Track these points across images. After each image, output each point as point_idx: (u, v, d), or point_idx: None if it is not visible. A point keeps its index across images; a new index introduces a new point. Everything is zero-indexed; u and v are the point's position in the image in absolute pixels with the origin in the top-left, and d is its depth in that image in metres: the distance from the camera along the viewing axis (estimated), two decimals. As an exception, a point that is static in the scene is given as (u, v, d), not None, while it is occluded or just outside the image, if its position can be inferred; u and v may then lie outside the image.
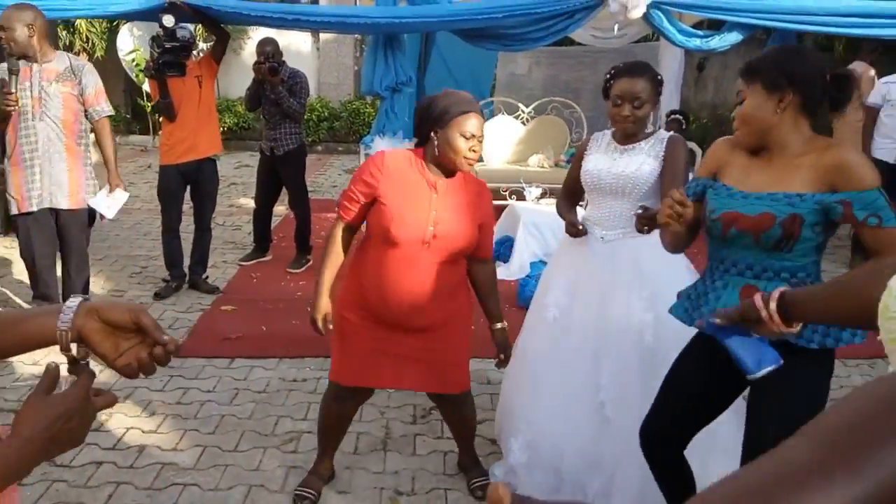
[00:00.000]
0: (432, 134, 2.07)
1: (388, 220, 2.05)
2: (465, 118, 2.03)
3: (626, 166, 2.34)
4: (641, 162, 2.33)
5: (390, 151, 2.16)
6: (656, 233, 2.20)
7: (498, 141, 6.62)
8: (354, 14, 4.89)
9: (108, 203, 3.65)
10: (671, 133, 2.41)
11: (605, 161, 2.39)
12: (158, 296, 4.30)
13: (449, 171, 2.12)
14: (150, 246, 5.35)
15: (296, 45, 10.04)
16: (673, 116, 5.86)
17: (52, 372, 0.83)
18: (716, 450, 2.17)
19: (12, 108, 3.25)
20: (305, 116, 10.09)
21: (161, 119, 4.44)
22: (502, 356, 2.32)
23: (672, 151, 2.32)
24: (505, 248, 5.05)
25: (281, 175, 4.79)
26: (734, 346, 1.32)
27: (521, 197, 5.33)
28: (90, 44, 9.50)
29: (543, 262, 4.95)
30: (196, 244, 4.45)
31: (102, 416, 2.88)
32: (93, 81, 3.50)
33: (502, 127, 6.67)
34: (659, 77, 2.34)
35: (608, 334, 2.32)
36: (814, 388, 1.71)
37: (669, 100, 6.55)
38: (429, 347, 2.19)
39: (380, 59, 4.22)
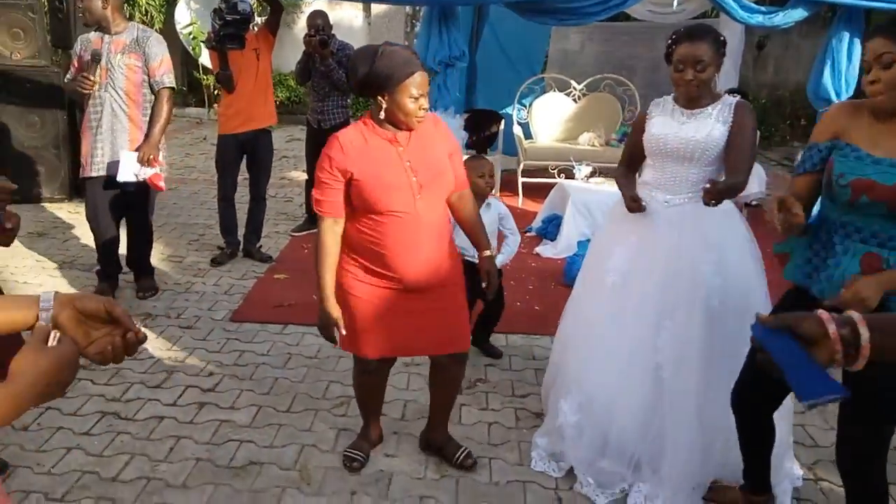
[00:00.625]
0: (379, 98, 2.03)
1: (372, 191, 2.05)
2: (412, 80, 1.99)
3: (695, 131, 2.28)
4: (710, 127, 2.27)
5: (341, 132, 2.12)
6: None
7: (548, 118, 6.55)
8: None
9: (129, 165, 3.52)
10: (737, 98, 2.35)
11: (672, 125, 2.34)
12: (215, 262, 4.45)
13: (401, 129, 2.10)
14: (207, 215, 5.53)
15: (347, 19, 10.10)
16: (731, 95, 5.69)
17: (44, 328, 0.93)
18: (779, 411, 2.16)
19: (88, 91, 3.44)
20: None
21: (219, 91, 4.54)
22: (486, 285, 2.35)
23: (741, 117, 2.26)
24: (553, 227, 5.04)
25: None
26: (784, 363, 1.00)
27: (570, 175, 5.30)
28: (149, 16, 9.73)
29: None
30: (251, 214, 4.59)
31: (163, 374, 3.03)
32: (158, 52, 3.61)
33: (553, 104, 6.59)
34: (722, 38, 2.27)
35: (673, 297, 2.31)
36: None
37: (728, 78, 6.35)
38: (438, 307, 2.21)
39: (434, 34, 4.22)
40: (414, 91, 1.99)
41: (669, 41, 2.31)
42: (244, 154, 4.44)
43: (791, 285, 1.93)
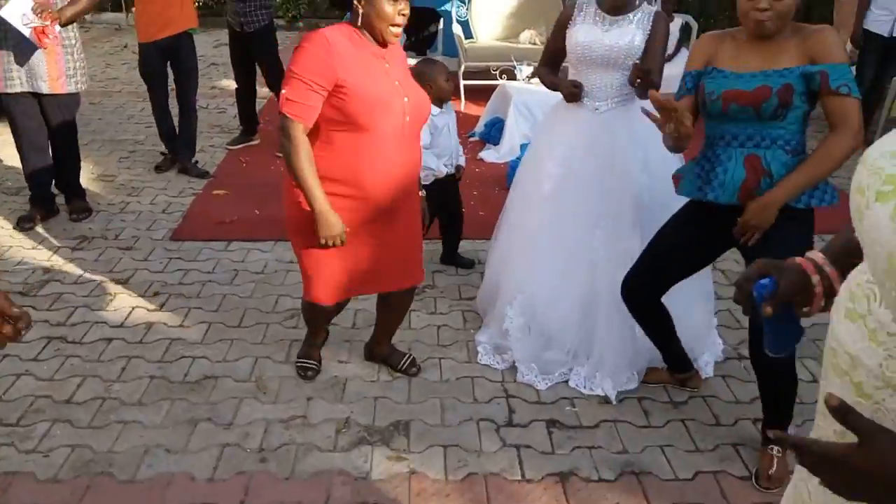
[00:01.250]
0: (356, 3, 1.92)
1: (361, 105, 1.90)
2: None
3: (618, 38, 2.37)
4: (632, 34, 2.37)
5: (328, 30, 1.93)
6: (640, 105, 2.36)
7: (487, 16, 6.36)
8: None
9: (18, 6, 3.15)
10: (657, 9, 2.46)
11: (596, 32, 2.40)
12: (159, 169, 4.35)
13: (378, 41, 1.98)
14: (136, 130, 5.27)
15: None
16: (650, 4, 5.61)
17: None
18: (699, 296, 2.49)
19: None
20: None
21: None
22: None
23: (657, 27, 2.39)
24: (495, 131, 5.00)
25: (253, 53, 4.61)
26: (770, 325, 1.03)
27: (512, 77, 5.22)
28: None
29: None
30: (182, 127, 4.39)
31: (107, 297, 2.99)
32: None
33: (492, 1, 6.38)
34: None
35: (607, 198, 2.44)
36: (801, 245, 1.84)
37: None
38: (403, 237, 2.18)
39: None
40: None
41: None
42: (168, 61, 4.21)
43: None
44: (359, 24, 1.95)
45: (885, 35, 4.89)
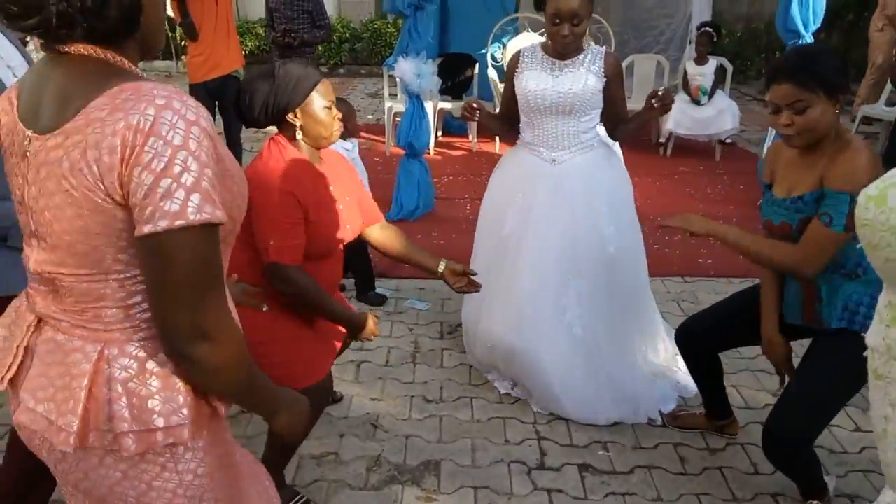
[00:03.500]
0: (289, 117, 1.81)
1: (327, 230, 1.86)
2: (323, 88, 1.82)
3: (571, 83, 2.30)
4: (585, 78, 2.30)
5: (286, 164, 1.81)
6: (600, 151, 2.40)
7: (523, 60, 6.49)
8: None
9: None
10: (604, 48, 2.40)
11: (546, 79, 2.33)
12: None
13: (319, 147, 1.90)
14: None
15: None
16: (704, 29, 5.66)
17: None
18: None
19: None
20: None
21: (185, 42, 4.52)
22: (462, 285, 2.08)
23: (613, 69, 2.33)
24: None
25: None
26: None
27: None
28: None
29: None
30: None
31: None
32: None
33: (526, 45, 6.51)
34: None
35: (577, 255, 2.38)
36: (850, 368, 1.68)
37: (700, 11, 6.32)
38: None
39: (402, -25, 4.12)
40: (327, 99, 1.83)
41: None
42: (216, 102, 4.45)
43: None
44: (297, 136, 1.85)
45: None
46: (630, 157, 5.56)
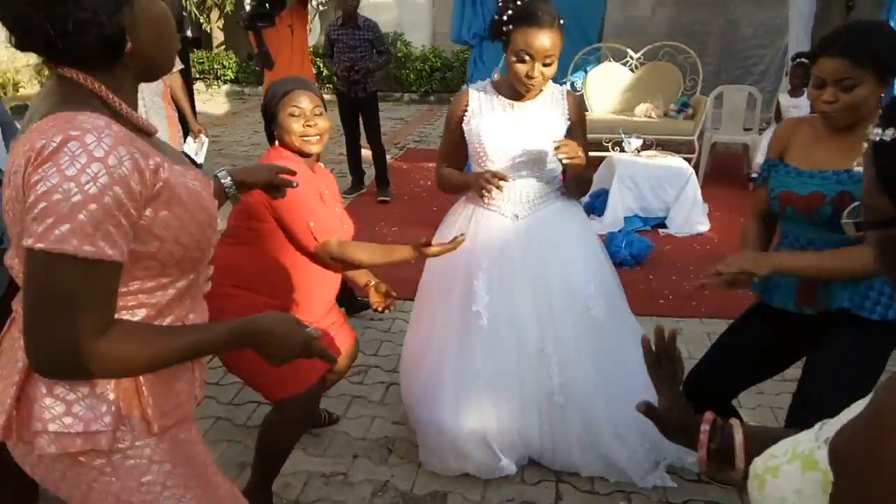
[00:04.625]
0: (275, 129, 1.96)
1: (329, 220, 1.95)
2: (290, 97, 1.89)
3: (535, 130, 2.04)
4: (552, 123, 2.06)
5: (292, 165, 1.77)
6: (561, 199, 2.16)
7: (602, 90, 6.35)
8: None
9: (196, 148, 3.99)
10: (564, 86, 2.18)
11: (507, 125, 2.05)
12: None
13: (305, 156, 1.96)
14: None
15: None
16: (799, 60, 5.30)
17: None
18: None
19: None
20: (418, 66, 10.24)
21: (263, 70, 4.78)
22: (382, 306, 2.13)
23: (576, 109, 2.10)
24: (600, 202, 4.91)
25: (362, 114, 5.10)
26: None
27: (622, 149, 5.13)
28: (222, 2, 10.14)
29: (639, 217, 4.78)
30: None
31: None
32: None
33: (608, 75, 6.38)
34: (561, 21, 1.95)
35: (554, 320, 2.10)
36: (870, 365, 1.66)
37: (798, 40, 5.95)
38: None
39: (467, 4, 4.17)
40: (294, 109, 1.89)
41: (503, 18, 1.93)
42: None
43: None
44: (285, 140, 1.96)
45: None
46: (713, 190, 5.34)
